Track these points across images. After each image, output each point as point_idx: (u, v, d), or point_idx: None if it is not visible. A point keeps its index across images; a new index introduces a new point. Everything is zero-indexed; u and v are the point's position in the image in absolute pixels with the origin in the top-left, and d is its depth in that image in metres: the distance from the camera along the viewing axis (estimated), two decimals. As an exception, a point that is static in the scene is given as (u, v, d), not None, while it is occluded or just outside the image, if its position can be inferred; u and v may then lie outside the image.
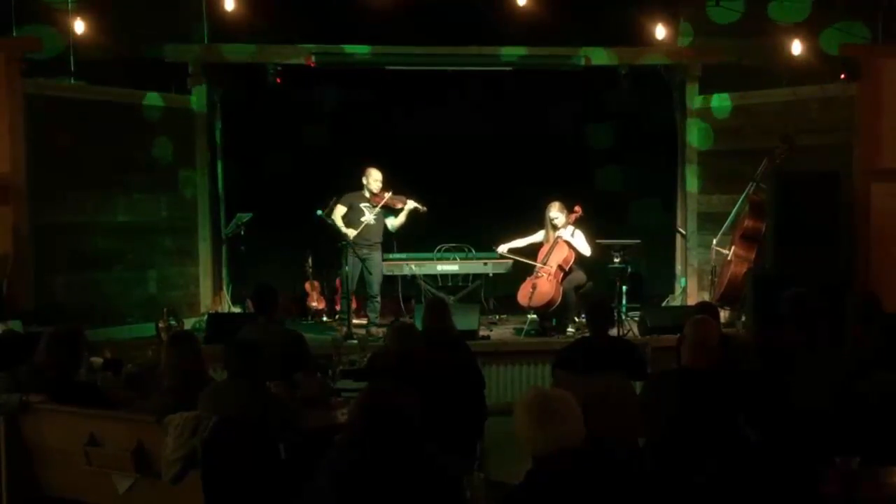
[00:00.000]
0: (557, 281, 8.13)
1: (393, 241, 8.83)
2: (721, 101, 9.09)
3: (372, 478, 2.91)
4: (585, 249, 8.26)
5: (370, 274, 8.41)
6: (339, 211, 8.32)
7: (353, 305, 8.47)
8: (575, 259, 8.26)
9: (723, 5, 8.60)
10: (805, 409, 4.17)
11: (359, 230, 8.26)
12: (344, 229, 8.25)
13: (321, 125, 9.68)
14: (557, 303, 8.09)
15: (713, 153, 9.20)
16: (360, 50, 9.09)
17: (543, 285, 8.12)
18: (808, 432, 4.02)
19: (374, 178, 8.39)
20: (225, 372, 4.63)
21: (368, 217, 8.31)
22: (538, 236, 8.51)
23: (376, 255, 8.48)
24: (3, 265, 7.35)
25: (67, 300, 7.95)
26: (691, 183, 9.33)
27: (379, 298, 8.52)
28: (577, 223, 8.37)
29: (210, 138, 9.26)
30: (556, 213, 8.32)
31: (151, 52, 8.66)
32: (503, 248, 8.54)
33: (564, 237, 8.25)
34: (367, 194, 8.43)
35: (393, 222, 8.56)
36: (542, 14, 8.36)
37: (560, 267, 8.18)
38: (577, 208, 8.38)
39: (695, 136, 9.28)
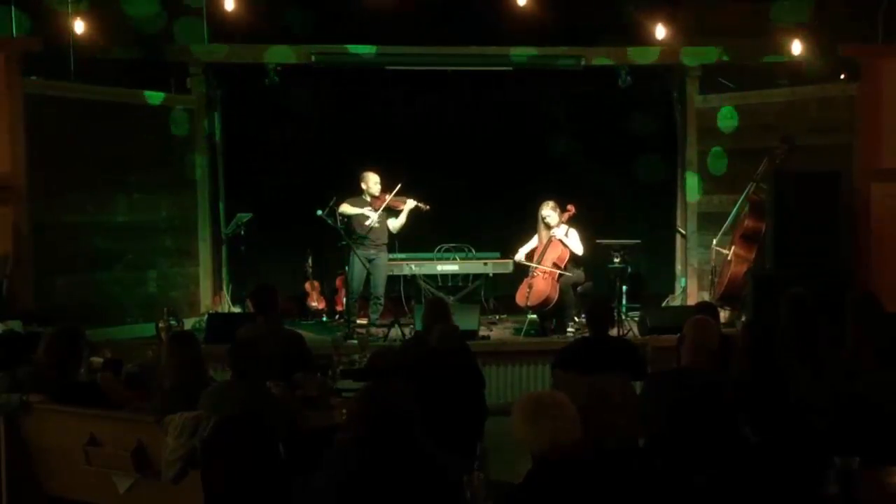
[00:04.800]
0: (553, 279, 8.13)
1: (395, 242, 8.82)
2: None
3: (372, 478, 2.91)
4: (578, 248, 8.26)
5: (375, 275, 8.39)
6: (347, 207, 8.31)
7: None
8: (570, 257, 8.25)
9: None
10: (805, 409, 4.17)
11: (367, 233, 8.25)
12: (360, 210, 8.25)
13: (321, 125, 9.67)
14: (554, 301, 8.09)
15: (713, 153, 9.19)
16: (360, 50, 9.08)
17: (539, 284, 8.12)
18: (808, 432, 4.01)
19: (372, 182, 8.39)
20: (225, 372, 4.63)
21: (372, 219, 8.31)
22: (535, 240, 8.51)
23: (383, 257, 8.47)
24: (3, 265, 7.35)
25: (67, 300, 7.95)
26: (691, 183, 9.32)
27: (382, 300, 8.50)
28: (571, 222, 8.37)
29: (210, 138, 9.26)
30: (548, 211, 8.31)
31: (151, 52, 8.65)
32: (520, 256, 8.51)
33: (558, 236, 8.24)
34: (368, 198, 8.43)
35: (394, 223, 8.55)
36: (542, 14, 8.36)
37: (555, 265, 8.17)
38: (570, 207, 8.38)
39: (694, 136, 9.27)
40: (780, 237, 7.85)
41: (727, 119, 9.04)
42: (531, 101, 9.65)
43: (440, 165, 9.53)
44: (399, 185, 8.45)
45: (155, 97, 8.72)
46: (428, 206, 8.53)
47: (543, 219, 8.34)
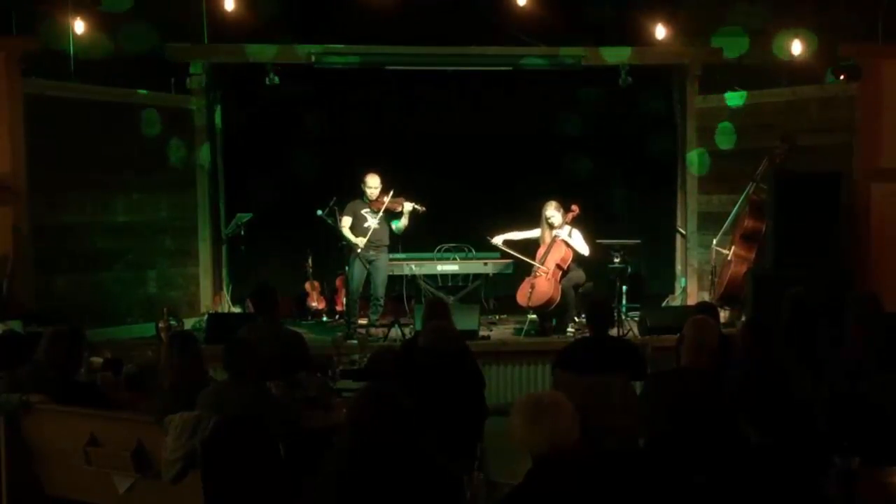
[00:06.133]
0: (556, 280, 8.13)
1: (398, 242, 8.81)
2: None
3: (371, 478, 2.91)
4: (584, 249, 8.25)
5: (375, 276, 8.38)
6: (346, 222, 8.28)
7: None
8: (573, 258, 8.25)
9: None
10: (805, 409, 4.18)
11: (367, 237, 8.23)
12: (354, 239, 8.22)
13: (321, 125, 9.67)
14: (556, 302, 8.08)
15: (713, 153, 9.19)
16: (359, 50, 9.09)
17: (542, 285, 8.11)
18: (808, 432, 4.02)
19: (369, 186, 8.27)
20: (225, 372, 4.63)
21: (372, 223, 8.28)
22: (534, 233, 8.50)
23: (383, 258, 8.43)
24: (3, 265, 7.35)
25: (67, 300, 7.95)
26: (691, 183, 9.32)
27: (382, 301, 8.49)
28: (575, 222, 8.36)
29: (210, 138, 9.25)
30: (552, 211, 8.29)
31: (151, 52, 8.65)
32: (498, 240, 8.47)
33: (562, 237, 8.23)
34: (367, 200, 8.40)
35: (397, 225, 8.50)
36: (542, 14, 8.36)
37: (558, 266, 8.17)
38: (574, 207, 8.36)
39: (694, 136, 9.28)
40: (780, 237, 7.86)
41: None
42: (531, 101, 9.64)
43: (440, 165, 9.54)
44: (392, 191, 8.36)
45: (154, 97, 8.72)
46: (424, 208, 8.47)
47: (547, 219, 8.31)
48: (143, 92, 8.64)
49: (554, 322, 8.29)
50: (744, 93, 8.94)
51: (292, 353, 5.49)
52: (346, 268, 8.53)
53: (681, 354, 4.37)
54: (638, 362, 5.40)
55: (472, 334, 7.78)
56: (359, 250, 8.17)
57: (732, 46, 8.94)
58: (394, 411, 2.97)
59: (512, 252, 8.48)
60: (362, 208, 8.33)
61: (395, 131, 9.73)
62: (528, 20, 8.48)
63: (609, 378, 4.94)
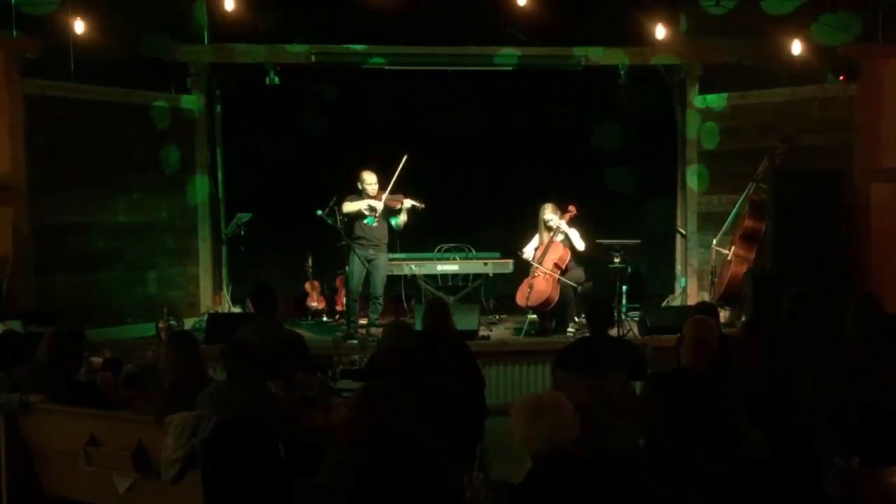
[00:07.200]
0: (554, 280, 8.13)
1: (396, 242, 8.81)
2: (719, 101, 9.07)
3: (372, 478, 2.91)
4: (579, 244, 8.28)
5: (374, 275, 8.38)
6: (350, 202, 8.27)
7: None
8: (571, 258, 8.25)
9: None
10: (805, 409, 4.18)
11: (378, 213, 8.20)
12: (369, 201, 8.19)
13: (321, 125, 9.66)
14: (555, 302, 8.09)
15: (713, 153, 9.20)
16: (359, 50, 9.09)
17: (540, 285, 8.12)
18: (808, 432, 4.02)
19: (368, 183, 8.29)
20: (225, 372, 4.64)
21: (370, 219, 8.28)
22: (536, 240, 8.52)
23: (382, 257, 8.44)
24: (3, 265, 7.36)
25: (67, 300, 7.95)
26: (691, 183, 9.33)
27: (382, 300, 8.49)
28: (572, 223, 8.37)
29: (210, 138, 9.26)
30: (549, 214, 8.32)
31: (151, 52, 8.65)
32: (528, 253, 8.46)
33: (563, 228, 8.24)
34: (366, 197, 8.38)
35: (396, 221, 8.51)
36: (541, 14, 8.36)
37: (556, 265, 8.18)
38: (570, 208, 8.38)
39: (694, 136, 9.28)
40: (780, 237, 7.86)
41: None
42: (531, 101, 9.64)
43: (440, 165, 9.53)
44: (391, 185, 8.36)
45: (154, 97, 8.72)
46: (424, 205, 8.47)
47: (546, 222, 8.34)
48: (143, 92, 8.63)
49: (554, 322, 8.29)
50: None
51: (292, 353, 5.48)
52: (346, 267, 8.53)
53: (681, 354, 4.37)
54: (638, 362, 5.40)
55: (472, 334, 7.78)
56: (369, 215, 8.15)
57: (733, 46, 8.94)
58: (392, 412, 2.97)
59: (535, 263, 8.44)
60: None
61: (395, 131, 9.72)
62: (528, 20, 8.47)
63: (609, 378, 4.94)
